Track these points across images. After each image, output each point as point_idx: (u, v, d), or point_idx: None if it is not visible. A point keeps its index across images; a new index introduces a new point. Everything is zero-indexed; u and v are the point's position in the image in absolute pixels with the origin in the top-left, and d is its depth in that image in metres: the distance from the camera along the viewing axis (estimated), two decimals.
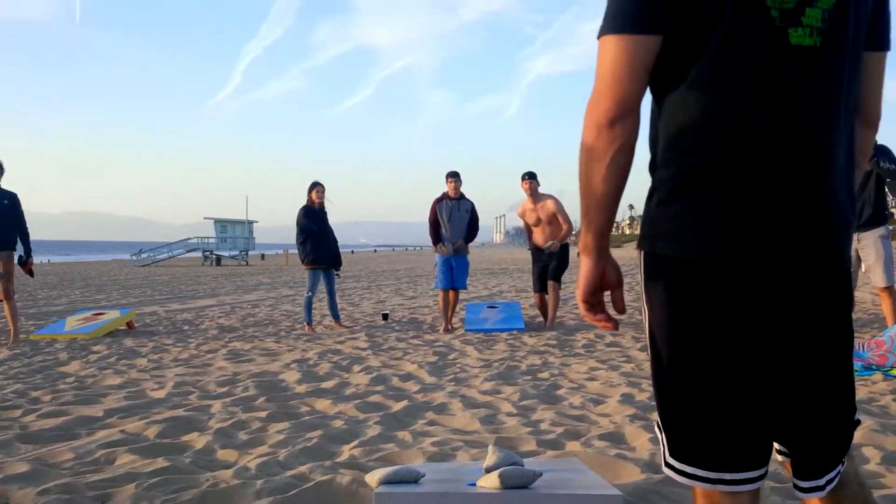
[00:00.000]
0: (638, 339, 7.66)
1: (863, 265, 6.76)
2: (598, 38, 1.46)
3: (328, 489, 3.09)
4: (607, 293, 1.57)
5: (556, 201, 9.11)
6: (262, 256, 61.23)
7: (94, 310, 11.08)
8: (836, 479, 1.51)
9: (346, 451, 3.74)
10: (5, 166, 8.37)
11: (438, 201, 9.37)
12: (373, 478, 2.86)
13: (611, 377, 5.63)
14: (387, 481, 2.75)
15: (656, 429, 1.56)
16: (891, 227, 7.24)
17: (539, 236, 9.23)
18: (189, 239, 53.61)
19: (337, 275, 10.17)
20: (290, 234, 10.23)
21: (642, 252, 1.54)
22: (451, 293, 9.31)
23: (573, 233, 9.42)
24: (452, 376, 5.89)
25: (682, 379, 1.46)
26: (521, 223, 9.66)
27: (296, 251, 10.23)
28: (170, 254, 52.36)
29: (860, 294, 10.99)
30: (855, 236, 6.33)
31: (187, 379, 5.94)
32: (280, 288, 19.80)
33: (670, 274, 1.46)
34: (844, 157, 1.48)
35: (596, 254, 1.53)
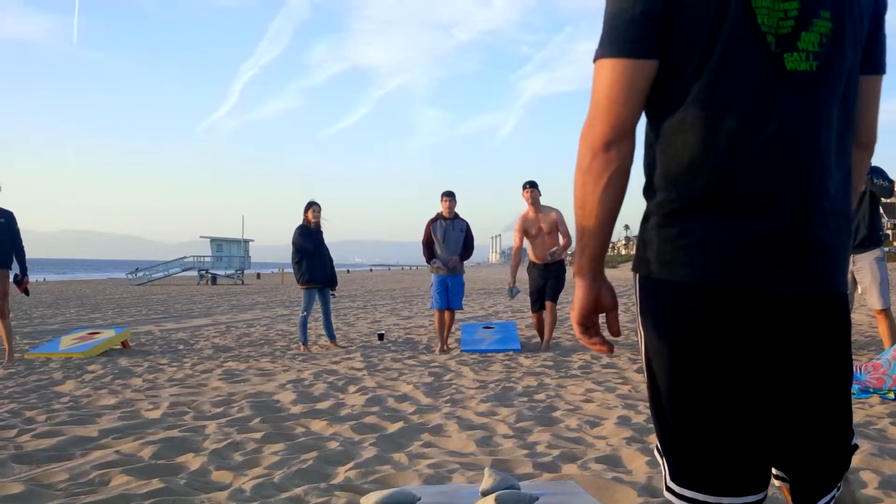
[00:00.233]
0: (634, 360, 7.65)
1: (859, 287, 6.77)
2: (594, 61, 1.46)
3: None
4: (602, 316, 1.57)
5: (560, 213, 9.12)
6: (258, 275, 61.16)
7: (90, 329, 11.04)
8: None
9: (342, 473, 3.73)
10: (1, 184, 8.39)
11: (433, 221, 9.37)
12: (368, 500, 2.85)
13: (607, 399, 5.62)
14: None
15: (656, 453, 1.56)
16: (886, 249, 7.26)
17: (538, 250, 9.16)
18: (185, 258, 53.54)
19: (333, 294, 10.16)
20: (285, 254, 10.24)
21: (637, 275, 1.54)
22: (446, 313, 9.30)
23: (570, 253, 9.44)
24: (448, 397, 5.87)
25: (679, 403, 1.46)
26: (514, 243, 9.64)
27: (291, 270, 10.23)
28: (165, 272, 52.27)
29: (857, 316, 10.99)
30: (850, 258, 6.34)
31: (182, 399, 5.91)
32: (275, 307, 19.76)
33: (666, 297, 1.46)
34: (841, 180, 1.48)
35: (591, 276, 1.53)
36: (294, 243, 9.83)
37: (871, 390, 5.40)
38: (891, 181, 6.47)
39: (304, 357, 8.76)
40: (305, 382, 6.70)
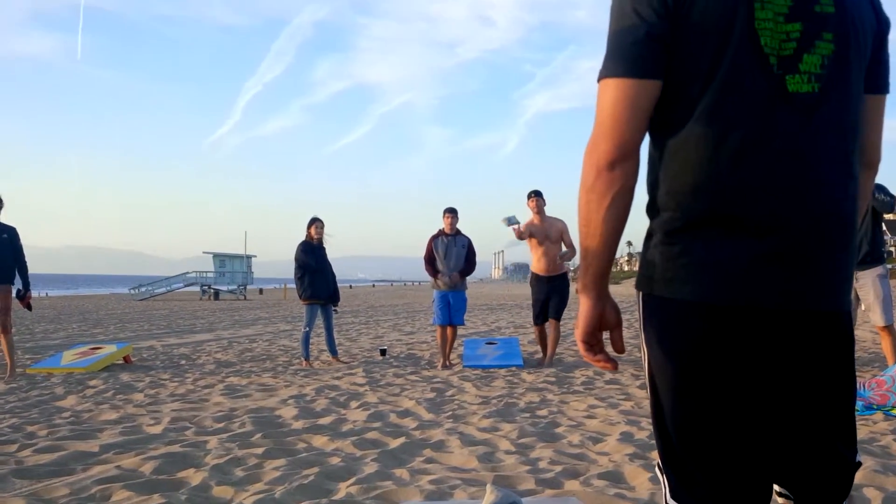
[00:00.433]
0: (637, 376, 7.63)
1: (862, 304, 6.76)
2: (599, 80, 1.47)
3: None
4: (606, 333, 1.57)
5: (565, 224, 9.12)
6: (261, 291, 61.18)
7: (92, 344, 11.04)
8: None
9: (343, 489, 3.72)
10: (4, 200, 8.41)
11: (434, 238, 9.38)
12: None
13: (610, 415, 5.61)
14: None
15: (657, 470, 1.56)
16: (889, 266, 7.26)
17: (541, 261, 9.12)
18: (188, 273, 53.59)
19: (335, 310, 10.16)
20: (288, 269, 10.24)
21: (641, 293, 1.54)
22: (448, 329, 9.29)
23: (573, 269, 9.42)
24: (450, 413, 5.86)
25: (681, 420, 1.45)
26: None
27: (294, 286, 10.23)
28: (168, 288, 52.29)
29: (860, 333, 10.97)
30: (854, 275, 6.34)
31: (184, 414, 5.90)
32: (278, 322, 19.75)
33: (668, 316, 1.46)
34: (844, 199, 1.48)
35: (595, 294, 1.52)
36: (297, 259, 9.84)
37: (875, 407, 5.38)
38: (892, 196, 6.48)
39: (306, 372, 8.75)
40: (307, 398, 6.69)
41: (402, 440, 4.83)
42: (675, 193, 1.46)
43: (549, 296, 9.04)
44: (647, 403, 5.75)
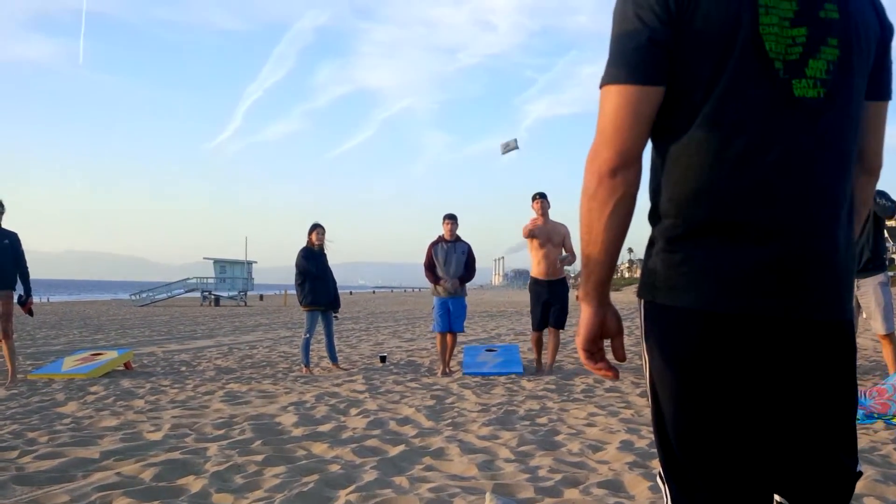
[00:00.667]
0: (637, 384, 7.62)
1: (863, 312, 6.75)
2: (601, 87, 1.46)
3: None
4: (607, 341, 1.57)
5: (568, 229, 9.10)
6: (261, 297, 61.13)
7: (92, 350, 11.03)
8: None
9: (343, 497, 3.71)
10: (6, 205, 8.43)
11: (434, 244, 9.37)
12: None
13: (610, 423, 5.60)
14: None
15: (658, 478, 1.55)
16: (890, 274, 7.25)
17: (542, 264, 9.08)
18: (188, 279, 53.57)
19: (335, 316, 10.16)
20: (289, 275, 10.24)
21: (642, 301, 1.54)
22: (448, 336, 9.27)
23: (574, 276, 9.39)
24: (450, 420, 5.85)
25: (683, 429, 1.45)
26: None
27: (294, 292, 10.22)
28: (169, 294, 52.27)
29: (861, 341, 10.96)
30: (855, 282, 6.34)
31: (184, 421, 5.90)
32: (278, 329, 19.74)
33: (670, 324, 1.46)
34: (845, 206, 1.49)
35: (596, 301, 1.52)
36: (297, 265, 9.84)
37: (876, 416, 5.37)
38: (893, 202, 6.47)
39: (306, 379, 8.74)
40: (307, 405, 6.68)
41: (401, 448, 4.83)
42: (676, 200, 1.46)
43: (549, 301, 9.00)
44: (647, 412, 5.74)
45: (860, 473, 1.54)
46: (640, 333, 1.56)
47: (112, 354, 10.04)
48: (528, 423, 5.73)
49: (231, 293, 50.87)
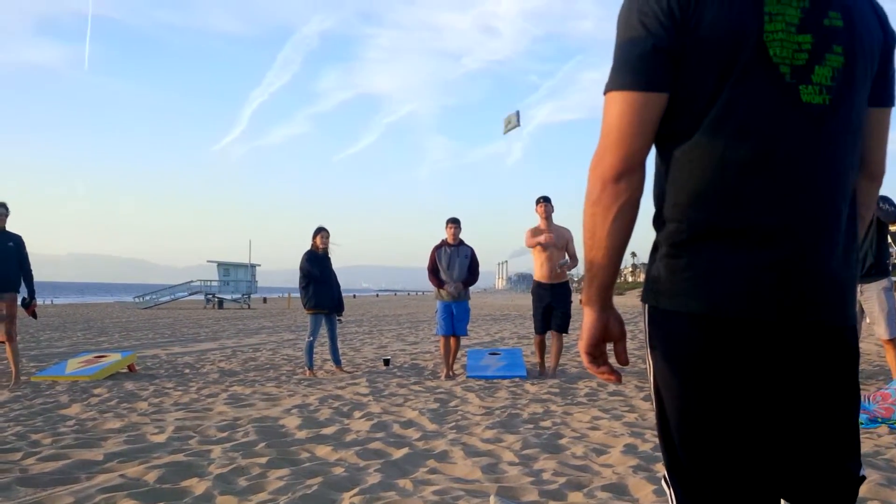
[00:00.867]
0: (641, 388, 7.62)
1: (866, 317, 6.75)
2: (605, 93, 1.47)
3: None
4: (610, 344, 1.57)
5: (571, 233, 9.10)
6: (265, 300, 61.18)
7: (96, 352, 11.05)
8: None
9: (347, 499, 3.72)
10: (9, 208, 8.46)
11: (437, 248, 9.38)
12: None
13: (614, 427, 5.60)
14: None
15: (663, 482, 1.55)
16: (894, 279, 7.24)
17: (544, 267, 9.08)
18: (192, 282, 53.65)
19: (339, 320, 10.17)
20: (292, 278, 10.25)
21: (647, 305, 1.54)
22: (452, 339, 9.28)
23: (576, 280, 9.38)
24: (454, 423, 5.85)
25: (687, 433, 1.46)
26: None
27: (298, 295, 10.23)
28: (172, 296, 52.35)
29: (864, 346, 10.94)
30: (858, 287, 6.33)
31: (187, 423, 5.91)
32: (282, 332, 19.74)
33: (674, 329, 1.46)
34: (849, 212, 1.49)
35: (599, 306, 1.53)
36: (301, 269, 9.86)
37: (880, 420, 5.37)
38: None
39: (310, 382, 8.75)
40: (311, 407, 6.69)
41: (405, 451, 4.83)
42: (681, 205, 1.46)
43: (552, 304, 9.01)
44: (650, 415, 5.74)
45: (864, 477, 1.55)
46: (643, 338, 1.57)
47: (116, 357, 10.06)
48: (531, 426, 5.73)
49: (234, 296, 50.92)
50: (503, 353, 10.34)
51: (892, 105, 1.60)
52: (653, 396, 1.55)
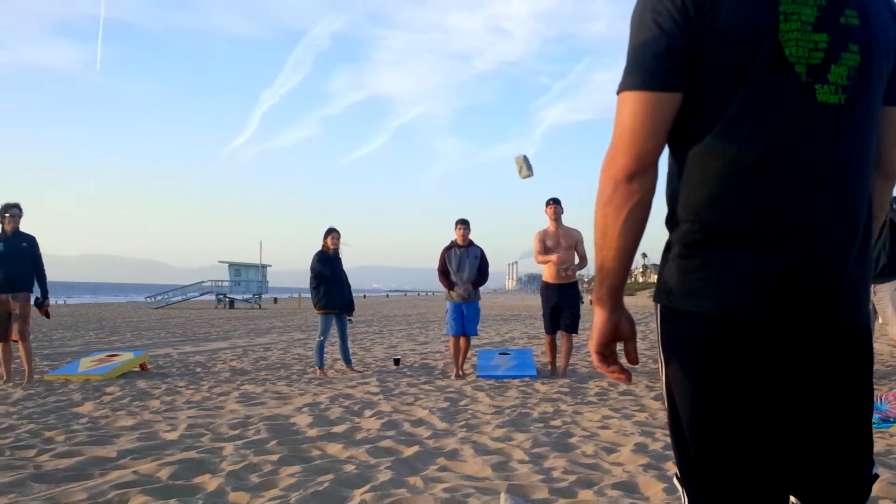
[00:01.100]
0: (651, 387, 7.60)
1: (879, 317, 6.72)
2: (618, 93, 1.46)
3: None
4: (621, 344, 1.57)
5: (581, 234, 9.08)
6: (275, 300, 61.36)
7: (108, 351, 11.11)
8: None
9: (358, 496, 3.73)
10: (23, 209, 8.53)
11: (447, 249, 9.39)
12: None
13: (624, 426, 5.59)
14: None
15: (675, 481, 1.55)
16: None
17: (554, 268, 9.04)
18: (203, 282, 53.86)
19: (349, 320, 10.20)
20: (303, 279, 10.28)
21: (659, 305, 1.54)
22: (462, 339, 9.29)
23: (587, 280, 9.37)
24: (464, 422, 5.86)
25: (699, 432, 1.46)
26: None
27: (309, 295, 10.26)
28: (184, 296, 52.56)
29: (877, 346, 10.88)
30: (871, 288, 6.31)
31: (199, 421, 5.94)
32: (292, 332, 19.80)
33: (687, 329, 1.46)
34: (863, 212, 1.48)
35: (610, 306, 1.52)
36: (312, 269, 9.90)
37: (892, 420, 5.35)
38: None
39: (321, 381, 8.77)
40: (321, 406, 6.71)
41: (415, 449, 4.84)
42: (694, 206, 1.45)
43: (559, 304, 9.00)
44: (661, 415, 5.74)
45: (876, 476, 1.54)
46: (655, 338, 1.56)
47: (128, 356, 10.12)
48: (541, 425, 5.73)
49: (245, 296, 51.10)
50: (513, 353, 10.34)
51: None
52: (665, 396, 1.55)
